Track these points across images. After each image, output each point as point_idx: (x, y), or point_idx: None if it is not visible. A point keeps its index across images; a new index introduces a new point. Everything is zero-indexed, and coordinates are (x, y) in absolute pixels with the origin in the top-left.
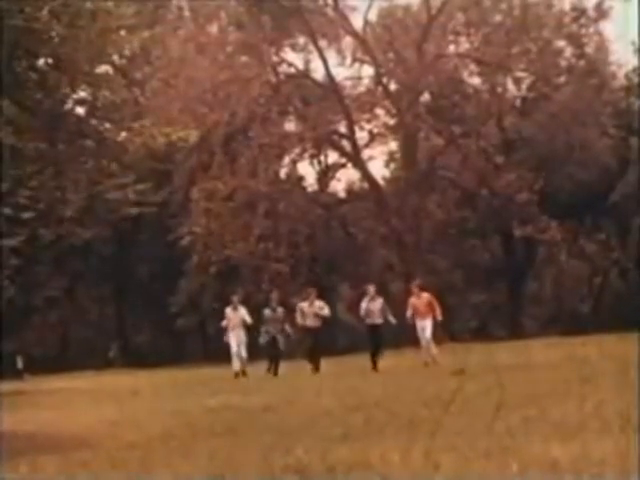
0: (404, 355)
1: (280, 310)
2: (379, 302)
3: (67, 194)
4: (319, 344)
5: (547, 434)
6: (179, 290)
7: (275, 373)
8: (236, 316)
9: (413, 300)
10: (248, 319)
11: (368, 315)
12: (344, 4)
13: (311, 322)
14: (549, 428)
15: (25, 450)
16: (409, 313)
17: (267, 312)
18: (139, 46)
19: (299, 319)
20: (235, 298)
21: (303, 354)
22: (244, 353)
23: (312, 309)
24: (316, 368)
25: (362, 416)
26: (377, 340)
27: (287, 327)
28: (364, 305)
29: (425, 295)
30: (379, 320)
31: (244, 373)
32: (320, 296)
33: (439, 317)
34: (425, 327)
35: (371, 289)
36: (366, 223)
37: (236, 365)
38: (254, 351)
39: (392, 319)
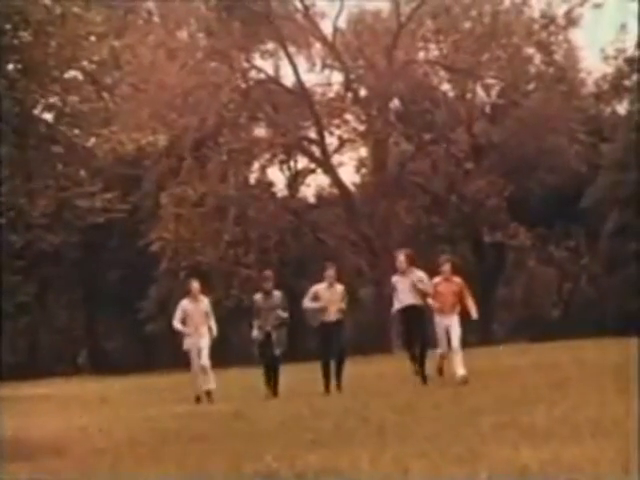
0: (372, 361)
1: (277, 295)
2: (416, 276)
3: (36, 200)
4: (343, 348)
5: (517, 440)
6: (149, 296)
7: (274, 392)
8: (197, 310)
9: (438, 284)
10: (212, 322)
11: (402, 295)
12: (314, 10)
13: (330, 315)
14: (519, 434)
15: None
16: (432, 302)
17: (258, 298)
18: (109, 52)
19: (308, 304)
20: (195, 285)
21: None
22: (206, 360)
23: (332, 296)
24: (338, 384)
25: (332, 422)
26: (416, 330)
27: (284, 314)
28: (394, 281)
29: (457, 280)
30: (415, 300)
31: (208, 394)
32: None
33: (474, 314)
34: (452, 327)
35: (401, 258)
36: (336, 229)
37: (201, 384)
38: (222, 357)
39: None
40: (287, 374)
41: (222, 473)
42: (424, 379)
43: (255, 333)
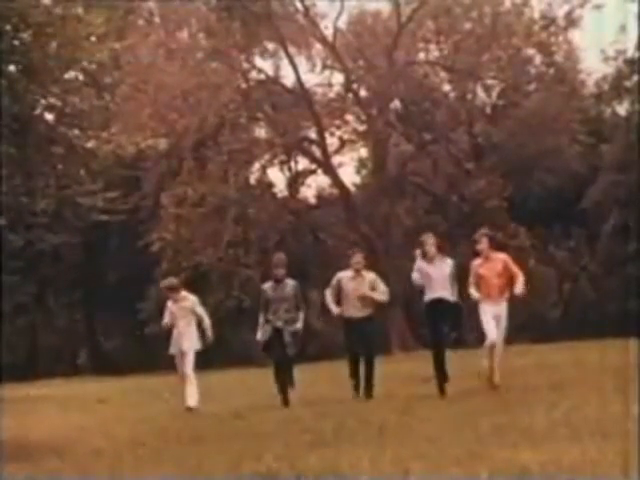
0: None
1: (290, 284)
2: (446, 264)
3: (36, 200)
4: (372, 349)
5: (517, 441)
6: (148, 296)
7: (284, 400)
8: (179, 310)
9: (479, 266)
10: (206, 322)
11: (431, 286)
12: (314, 11)
13: (355, 310)
14: (519, 435)
15: None
16: (473, 290)
17: (267, 287)
18: (109, 54)
19: (332, 305)
20: (173, 282)
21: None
22: (189, 368)
23: (359, 286)
24: (368, 390)
25: (332, 423)
26: (442, 329)
27: (300, 315)
28: (419, 268)
29: (500, 257)
30: (446, 293)
31: (189, 410)
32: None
33: (519, 289)
34: (499, 316)
35: (431, 241)
36: (336, 229)
37: (191, 398)
38: (222, 358)
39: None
40: None
41: (222, 473)
42: (443, 392)
43: (259, 334)
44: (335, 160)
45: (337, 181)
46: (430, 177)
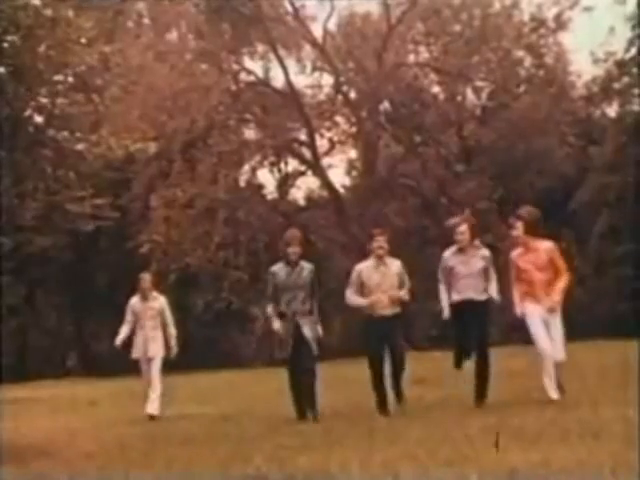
0: (363, 363)
1: (308, 268)
2: (479, 258)
3: (26, 203)
4: (400, 353)
5: (507, 442)
6: None
7: (305, 410)
8: (146, 310)
9: (519, 256)
10: (171, 328)
11: (456, 286)
12: (304, 13)
13: (380, 307)
14: (509, 436)
15: None
16: (516, 296)
17: (278, 269)
18: (98, 57)
19: (358, 299)
20: (145, 278)
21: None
22: (155, 374)
23: (384, 279)
24: (398, 398)
25: (321, 425)
26: (473, 331)
27: (313, 298)
28: (446, 259)
29: (546, 246)
30: (478, 295)
31: (151, 418)
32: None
33: (555, 300)
34: (552, 321)
35: (463, 228)
36: (326, 231)
37: (151, 405)
38: (212, 360)
39: (494, 294)
40: (277, 376)
41: (211, 475)
42: (481, 402)
43: (277, 325)
44: (325, 162)
45: (327, 183)
46: (420, 179)
